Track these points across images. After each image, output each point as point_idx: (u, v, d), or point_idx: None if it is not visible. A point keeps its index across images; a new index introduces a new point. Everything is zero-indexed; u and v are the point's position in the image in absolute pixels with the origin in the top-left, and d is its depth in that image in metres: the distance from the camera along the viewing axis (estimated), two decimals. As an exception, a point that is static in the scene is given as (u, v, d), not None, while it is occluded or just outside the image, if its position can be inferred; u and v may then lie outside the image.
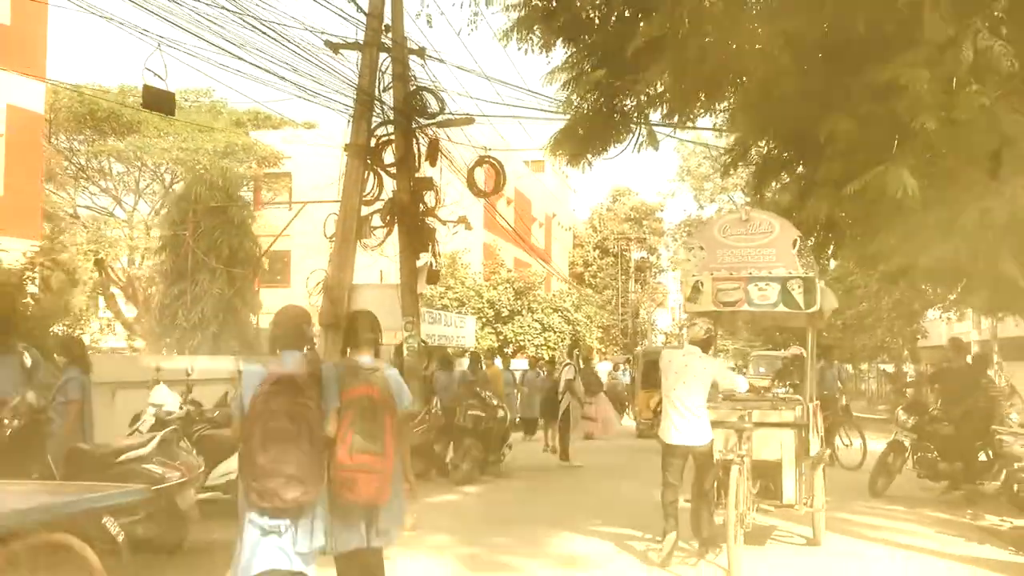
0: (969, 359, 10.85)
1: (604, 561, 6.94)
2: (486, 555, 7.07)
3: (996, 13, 6.20)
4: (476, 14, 8.22)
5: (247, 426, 4.09)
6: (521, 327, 25.33)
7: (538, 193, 38.28)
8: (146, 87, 7.07)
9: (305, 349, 4.41)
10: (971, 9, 5.97)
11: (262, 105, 22.34)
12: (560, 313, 26.82)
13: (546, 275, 31.87)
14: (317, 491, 4.14)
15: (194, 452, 6.71)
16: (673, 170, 47.22)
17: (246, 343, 11.97)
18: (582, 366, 18.07)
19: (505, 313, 25.42)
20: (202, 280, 11.86)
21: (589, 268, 45.82)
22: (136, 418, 7.78)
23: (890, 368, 29.66)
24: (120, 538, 4.36)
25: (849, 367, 30.53)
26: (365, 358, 4.59)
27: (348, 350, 4.65)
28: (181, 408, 7.53)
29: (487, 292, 25.46)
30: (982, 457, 9.50)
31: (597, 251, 46.60)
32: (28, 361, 6.50)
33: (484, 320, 24.62)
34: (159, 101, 7.46)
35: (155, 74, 6.69)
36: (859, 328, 23.11)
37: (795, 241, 7.40)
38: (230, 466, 6.61)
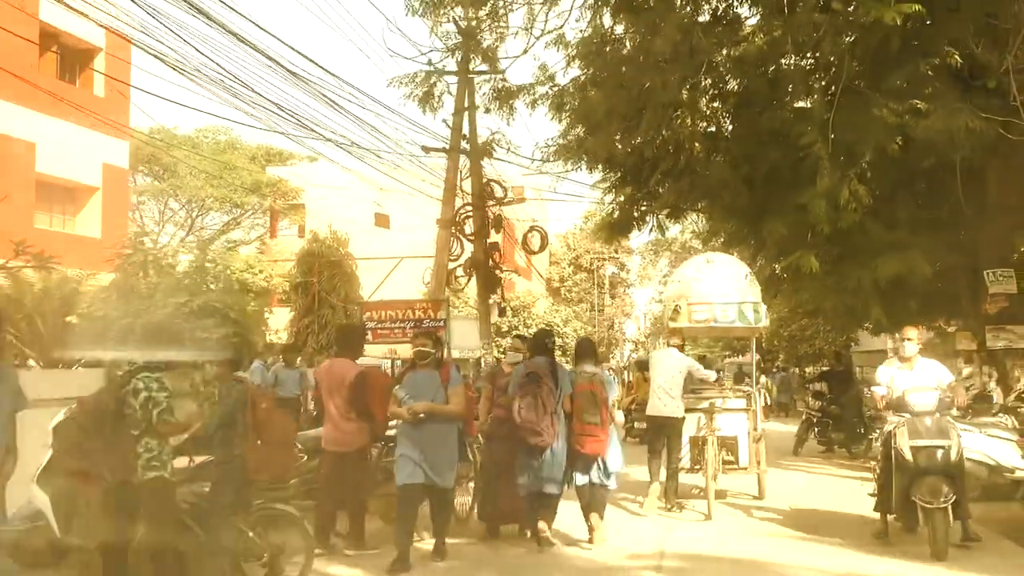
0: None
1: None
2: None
3: (864, 165, 10.47)
4: (546, 158, 12.36)
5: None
6: (518, 341, 29.13)
7: (521, 217, 42.34)
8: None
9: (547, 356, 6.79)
10: (847, 167, 10.18)
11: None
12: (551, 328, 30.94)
13: (529, 292, 35.94)
14: (552, 439, 6.42)
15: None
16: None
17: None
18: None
19: (504, 328, 29.32)
20: (325, 314, 15.75)
21: (564, 283, 50.00)
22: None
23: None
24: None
25: (796, 370, 35.24)
26: (588, 366, 6.93)
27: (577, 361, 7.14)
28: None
29: (488, 311, 29.44)
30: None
31: (571, 267, 50.87)
32: None
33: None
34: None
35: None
36: (801, 338, 27.70)
37: (746, 275, 10.15)
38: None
